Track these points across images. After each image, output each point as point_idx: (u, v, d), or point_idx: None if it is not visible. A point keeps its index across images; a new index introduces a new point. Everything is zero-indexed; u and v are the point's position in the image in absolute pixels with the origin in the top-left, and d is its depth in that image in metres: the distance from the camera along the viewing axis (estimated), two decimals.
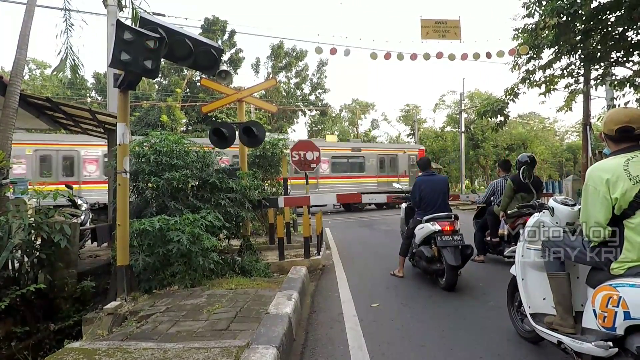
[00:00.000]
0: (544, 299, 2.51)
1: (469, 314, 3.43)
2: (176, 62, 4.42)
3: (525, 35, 10.96)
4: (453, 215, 4.48)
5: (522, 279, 2.63)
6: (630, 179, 1.85)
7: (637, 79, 9.32)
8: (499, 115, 12.46)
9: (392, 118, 46.63)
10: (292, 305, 3.28)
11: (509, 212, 4.94)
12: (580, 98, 12.02)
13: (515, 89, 12.02)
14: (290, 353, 2.76)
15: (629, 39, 8.96)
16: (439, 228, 4.30)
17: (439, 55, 9.36)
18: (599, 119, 13.35)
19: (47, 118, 7.38)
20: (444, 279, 4.22)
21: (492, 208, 5.50)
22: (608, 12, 8.53)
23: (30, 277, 4.14)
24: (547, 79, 11.52)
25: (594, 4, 8.63)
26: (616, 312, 1.77)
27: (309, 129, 40.58)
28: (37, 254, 4.14)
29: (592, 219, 1.97)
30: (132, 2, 8.40)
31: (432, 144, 37.59)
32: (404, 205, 5.77)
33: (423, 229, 4.49)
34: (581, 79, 11.60)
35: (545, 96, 11.71)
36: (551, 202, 2.60)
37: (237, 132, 6.12)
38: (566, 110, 12.42)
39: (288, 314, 3.05)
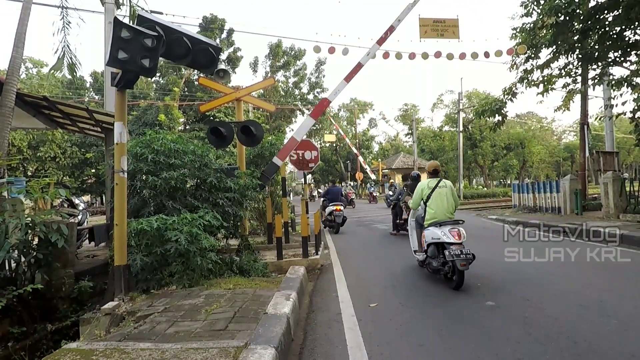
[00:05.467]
0: (418, 242, 5.25)
1: (467, 314, 3.44)
2: (174, 61, 4.40)
3: (523, 34, 10.98)
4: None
5: (411, 233, 5.53)
6: (428, 187, 4.72)
7: (635, 78, 9.34)
8: (497, 115, 12.48)
9: (391, 117, 46.68)
10: (290, 305, 3.28)
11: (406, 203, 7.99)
12: (577, 98, 12.05)
13: (514, 88, 12.04)
14: (288, 353, 2.76)
15: (627, 38, 8.99)
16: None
17: (437, 54, 9.33)
18: (596, 118, 13.38)
19: (44, 117, 7.36)
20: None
21: (399, 203, 8.56)
22: (606, 12, 8.56)
23: (27, 277, 4.12)
24: (545, 78, 11.54)
25: (592, 4, 8.66)
26: (425, 241, 4.62)
27: None
28: (34, 254, 4.11)
29: (416, 202, 4.89)
30: (129, 0, 8.37)
31: (430, 143, 37.61)
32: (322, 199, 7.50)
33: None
34: (579, 78, 11.63)
35: (543, 96, 11.73)
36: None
37: (235, 131, 6.11)
38: (564, 110, 12.45)
39: (286, 314, 3.04)
